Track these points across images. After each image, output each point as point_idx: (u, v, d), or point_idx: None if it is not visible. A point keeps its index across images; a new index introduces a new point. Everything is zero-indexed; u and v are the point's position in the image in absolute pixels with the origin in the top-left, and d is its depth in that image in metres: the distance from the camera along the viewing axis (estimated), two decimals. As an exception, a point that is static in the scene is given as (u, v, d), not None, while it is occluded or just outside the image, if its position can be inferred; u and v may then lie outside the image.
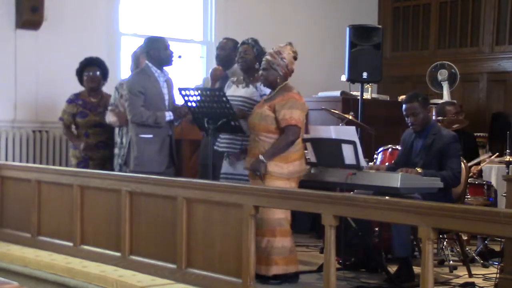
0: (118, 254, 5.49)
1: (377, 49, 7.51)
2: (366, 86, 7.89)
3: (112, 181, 5.61)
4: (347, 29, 7.58)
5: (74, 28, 7.75)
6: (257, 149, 5.23)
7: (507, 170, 6.43)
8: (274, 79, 5.31)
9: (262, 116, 5.24)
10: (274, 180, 5.15)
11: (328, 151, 5.50)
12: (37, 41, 7.55)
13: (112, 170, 6.42)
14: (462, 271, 5.78)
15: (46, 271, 5.57)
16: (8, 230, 6.47)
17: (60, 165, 7.47)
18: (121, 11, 8.19)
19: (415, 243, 5.90)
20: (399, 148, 5.95)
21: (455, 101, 7.85)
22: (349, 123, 6.47)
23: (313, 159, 5.62)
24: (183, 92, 5.68)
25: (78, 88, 6.87)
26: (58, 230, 6.00)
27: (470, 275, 5.65)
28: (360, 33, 7.54)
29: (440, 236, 5.98)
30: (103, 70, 6.84)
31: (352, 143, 5.32)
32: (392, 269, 5.51)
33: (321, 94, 8.35)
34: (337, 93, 8.11)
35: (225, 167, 5.69)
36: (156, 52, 6.04)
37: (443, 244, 6.18)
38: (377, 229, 5.76)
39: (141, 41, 6.32)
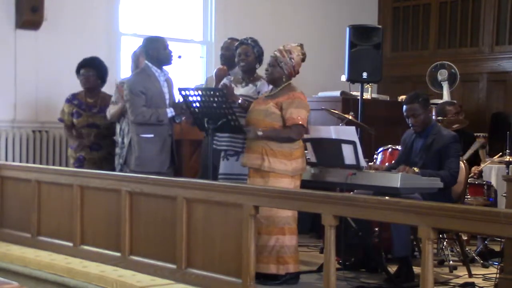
0: (118, 254, 5.49)
1: (377, 49, 7.51)
2: (366, 86, 7.89)
3: (112, 181, 5.61)
4: (347, 29, 7.57)
5: (74, 28, 7.75)
6: (258, 145, 5.21)
7: (507, 170, 6.43)
8: (279, 77, 5.31)
9: (267, 113, 5.23)
10: (279, 178, 5.16)
11: (328, 151, 5.50)
12: (37, 41, 7.55)
13: (110, 170, 6.41)
14: (462, 271, 5.78)
15: (46, 271, 5.56)
16: (8, 230, 6.46)
17: (60, 165, 7.47)
18: (121, 11, 8.18)
19: (415, 243, 5.90)
20: (399, 148, 5.95)
21: (455, 101, 7.84)
22: (349, 123, 6.47)
23: (313, 159, 5.62)
24: (183, 92, 5.68)
25: (78, 88, 6.87)
26: (58, 230, 6.00)
27: (470, 275, 5.65)
28: (360, 33, 7.54)
29: (440, 236, 5.98)
30: (99, 71, 6.83)
31: (352, 143, 5.32)
32: (392, 269, 5.51)
33: (321, 94, 8.35)
34: (337, 93, 8.11)
35: (223, 167, 5.68)
36: (155, 52, 6.04)
37: (443, 244, 6.18)
38: (377, 229, 5.76)
39: (141, 41, 6.32)
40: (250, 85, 5.73)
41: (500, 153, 6.92)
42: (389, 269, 5.49)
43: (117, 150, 6.53)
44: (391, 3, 10.25)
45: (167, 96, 6.08)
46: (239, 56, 5.74)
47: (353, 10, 9.80)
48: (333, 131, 5.49)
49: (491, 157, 7.11)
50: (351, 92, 7.99)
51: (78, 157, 6.73)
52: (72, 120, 6.78)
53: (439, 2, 9.81)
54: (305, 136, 5.51)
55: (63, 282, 5.40)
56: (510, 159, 6.38)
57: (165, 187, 5.24)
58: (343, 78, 7.70)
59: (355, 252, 5.73)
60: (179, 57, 6.29)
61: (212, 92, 5.51)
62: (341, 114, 6.75)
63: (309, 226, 7.30)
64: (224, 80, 5.90)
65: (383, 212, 4.12)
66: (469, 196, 6.46)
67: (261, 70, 5.78)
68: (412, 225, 4.43)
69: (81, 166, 6.67)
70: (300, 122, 5.19)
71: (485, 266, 6.07)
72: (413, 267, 5.44)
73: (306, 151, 5.54)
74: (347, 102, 7.80)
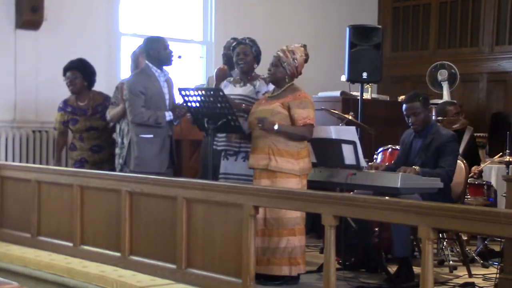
0: (118, 254, 5.49)
1: (377, 49, 7.51)
2: (366, 86, 7.89)
3: (112, 181, 5.61)
4: (347, 29, 7.57)
5: (74, 28, 7.74)
6: (265, 145, 5.20)
7: (507, 170, 6.44)
8: (282, 77, 5.31)
9: (273, 113, 5.21)
10: (287, 178, 5.15)
11: (328, 151, 5.50)
12: (37, 41, 7.54)
13: (111, 171, 6.41)
14: (462, 271, 5.78)
15: (46, 271, 5.56)
16: (8, 230, 6.46)
17: (60, 165, 7.47)
18: (121, 11, 8.18)
19: (415, 243, 5.90)
20: (399, 148, 5.95)
21: (455, 101, 7.84)
22: (349, 123, 6.47)
23: (313, 159, 5.62)
24: (183, 92, 5.68)
25: (78, 88, 6.88)
26: (58, 230, 6.00)
27: (470, 275, 5.66)
28: (360, 33, 7.54)
29: (440, 236, 5.99)
30: (85, 73, 6.77)
31: (352, 143, 5.32)
32: (392, 269, 5.51)
33: (321, 94, 8.34)
34: (337, 93, 8.11)
35: (224, 167, 5.68)
36: (155, 52, 6.04)
37: (443, 244, 6.18)
38: (377, 229, 5.76)
39: (141, 41, 6.32)
40: (248, 85, 5.73)
41: (500, 153, 6.92)
42: (389, 269, 5.49)
43: (117, 150, 6.53)
44: (391, 3, 10.25)
45: (167, 97, 6.08)
46: (237, 56, 5.72)
47: (353, 10, 9.80)
48: (333, 131, 5.49)
49: (491, 157, 7.11)
50: (351, 92, 7.99)
51: (80, 159, 6.72)
52: (68, 127, 6.77)
53: (439, 2, 9.81)
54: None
55: (63, 282, 5.40)
56: (510, 159, 6.38)
57: (165, 187, 5.23)
58: (343, 78, 7.70)
59: (355, 252, 5.73)
60: (179, 57, 6.28)
61: (212, 92, 5.51)
62: (341, 114, 6.75)
63: (309, 226, 7.28)
64: (224, 83, 5.91)
65: (383, 212, 4.12)
66: (469, 196, 6.46)
67: (258, 70, 5.79)
68: (412, 225, 4.43)
69: (81, 167, 6.67)
70: (310, 122, 5.22)
71: (485, 266, 6.07)
72: (413, 267, 5.44)
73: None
74: (347, 102, 7.80)
